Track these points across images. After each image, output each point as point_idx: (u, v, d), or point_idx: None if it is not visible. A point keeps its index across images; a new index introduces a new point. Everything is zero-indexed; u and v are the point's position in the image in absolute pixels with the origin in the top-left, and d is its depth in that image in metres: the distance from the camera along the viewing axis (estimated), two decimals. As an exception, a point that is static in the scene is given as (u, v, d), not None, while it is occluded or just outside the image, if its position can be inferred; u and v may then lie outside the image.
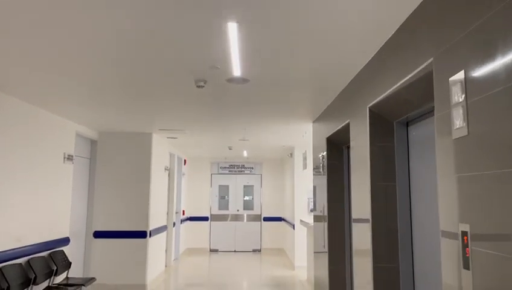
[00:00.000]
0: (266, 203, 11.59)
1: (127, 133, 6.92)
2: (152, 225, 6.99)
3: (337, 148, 4.85)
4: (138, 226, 6.75)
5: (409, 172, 3.09)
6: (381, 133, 3.16)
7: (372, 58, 3.11)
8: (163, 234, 7.98)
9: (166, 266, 8.61)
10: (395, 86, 2.61)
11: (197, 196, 11.55)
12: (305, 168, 6.64)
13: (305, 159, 6.67)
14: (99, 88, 4.10)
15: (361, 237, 3.37)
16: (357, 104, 3.48)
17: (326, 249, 4.83)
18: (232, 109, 5.09)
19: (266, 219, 11.52)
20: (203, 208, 11.54)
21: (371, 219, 3.08)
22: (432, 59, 2.09)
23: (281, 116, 5.55)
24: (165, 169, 8.11)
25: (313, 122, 5.83)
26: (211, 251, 11.42)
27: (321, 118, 5.25)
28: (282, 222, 11.19)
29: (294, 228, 8.55)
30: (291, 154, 9.24)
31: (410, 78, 2.39)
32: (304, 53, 3.07)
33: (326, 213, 4.81)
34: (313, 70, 3.47)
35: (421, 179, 2.90)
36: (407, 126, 3.15)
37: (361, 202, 3.39)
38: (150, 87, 4.05)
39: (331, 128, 4.58)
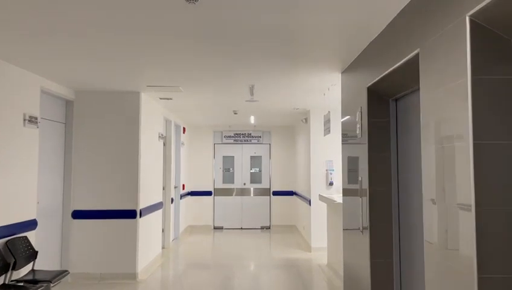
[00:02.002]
0: (276, 175, 10.43)
1: (109, 92, 5.66)
2: (143, 203, 5.84)
3: (382, 102, 3.59)
4: (126, 204, 5.59)
5: (537, 123, 1.86)
6: (492, 59, 1.90)
7: None
8: (159, 213, 6.85)
9: (163, 247, 7.53)
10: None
11: (199, 168, 10.38)
12: (328, 133, 5.42)
13: (327, 122, 5.43)
14: (66, 24, 2.84)
15: (444, 227, 2.17)
16: (442, 18, 2.20)
17: (365, 235, 3.65)
18: (237, 53, 3.82)
19: (276, 193, 10.38)
20: (205, 181, 10.39)
21: (473, 204, 1.86)
22: None
23: (299, 65, 4.27)
24: (160, 137, 6.90)
25: (343, 72, 4.54)
26: (215, 228, 10.34)
27: (357, 63, 3.97)
28: (294, 197, 10.05)
29: (310, 204, 7.40)
30: (306, 119, 7.99)
31: None
32: None
33: (366, 186, 3.60)
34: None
35: None
36: (534, 47, 1.90)
37: (444, 173, 2.17)
38: (129, 17, 2.79)
39: (376, 72, 3.31)
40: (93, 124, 5.63)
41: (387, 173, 3.54)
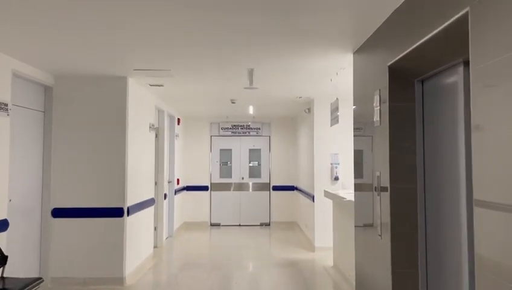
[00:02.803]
0: (276, 169, 9.89)
1: (92, 77, 5.09)
2: (132, 200, 5.30)
3: (406, 83, 3.05)
4: (112, 201, 5.05)
5: None
6: None
7: None
8: (150, 210, 6.31)
9: (156, 247, 7.01)
10: None
11: (195, 161, 9.83)
12: (336, 122, 4.89)
13: (335, 110, 4.91)
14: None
15: (508, 238, 1.64)
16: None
17: (385, 240, 3.13)
18: (235, 25, 3.27)
19: (276, 188, 9.86)
20: (201, 176, 9.84)
21: None
22: None
23: (303, 44, 3.72)
24: (151, 128, 6.34)
25: (355, 52, 3.99)
26: (212, 225, 9.82)
27: (374, 39, 3.42)
28: (295, 192, 9.52)
29: (313, 200, 6.88)
30: (309, 109, 7.44)
31: None
32: None
33: (387, 182, 3.07)
34: None
35: None
36: None
37: (509, 167, 1.64)
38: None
39: (401, 47, 2.76)
40: (75, 113, 5.07)
41: (412, 167, 3.01)
